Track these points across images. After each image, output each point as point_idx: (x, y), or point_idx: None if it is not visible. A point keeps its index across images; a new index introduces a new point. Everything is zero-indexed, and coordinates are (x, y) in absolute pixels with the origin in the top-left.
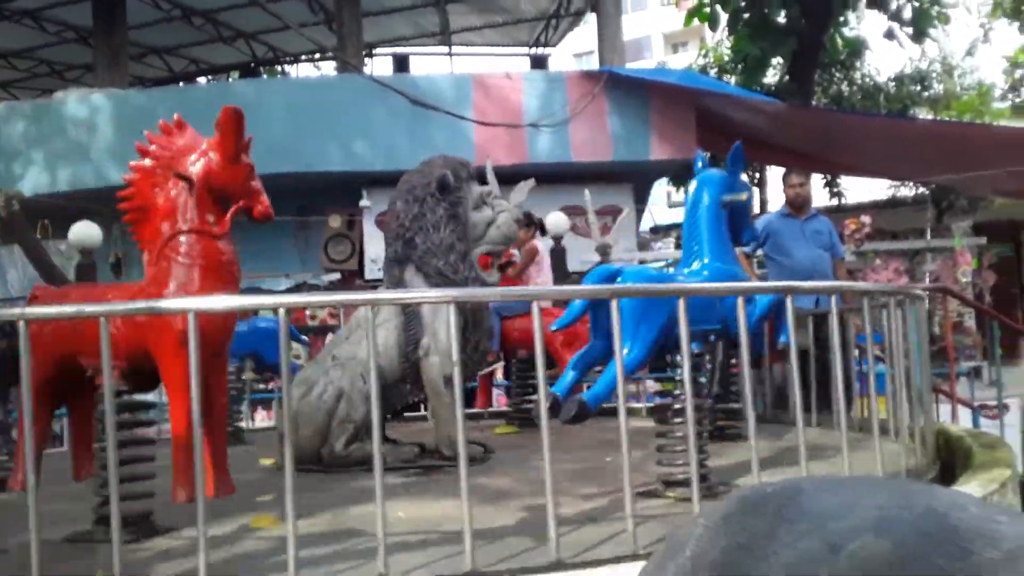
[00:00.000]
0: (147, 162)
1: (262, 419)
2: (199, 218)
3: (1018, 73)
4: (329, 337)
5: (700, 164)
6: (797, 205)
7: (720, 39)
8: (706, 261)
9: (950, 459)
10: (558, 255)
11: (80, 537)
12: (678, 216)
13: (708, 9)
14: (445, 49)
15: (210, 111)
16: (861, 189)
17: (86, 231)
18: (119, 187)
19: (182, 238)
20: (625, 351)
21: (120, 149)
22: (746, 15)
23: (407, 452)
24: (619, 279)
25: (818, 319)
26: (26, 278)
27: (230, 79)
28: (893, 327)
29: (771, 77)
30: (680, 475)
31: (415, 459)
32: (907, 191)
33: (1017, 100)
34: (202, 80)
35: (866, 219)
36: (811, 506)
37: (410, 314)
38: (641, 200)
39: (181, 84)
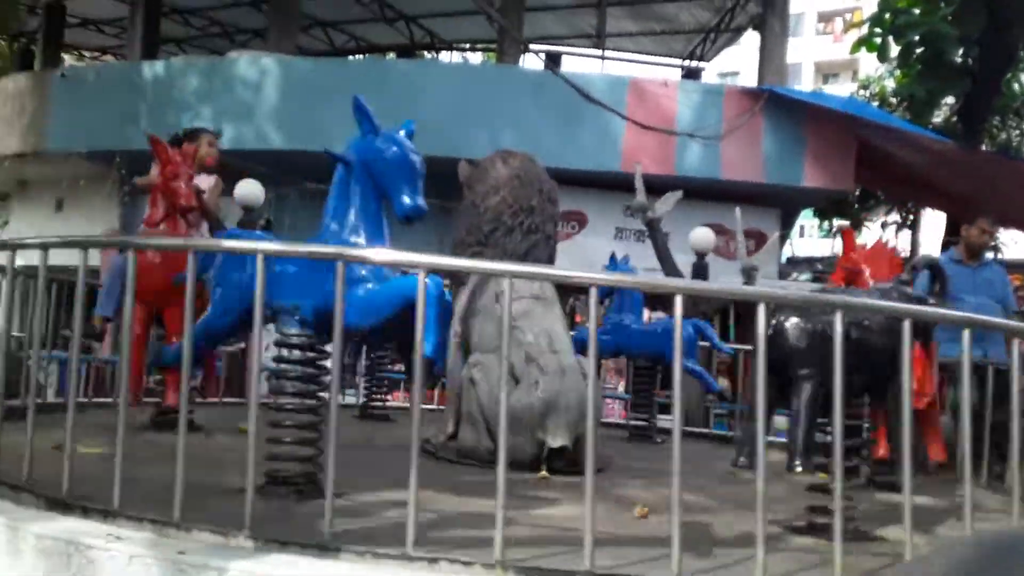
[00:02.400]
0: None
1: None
2: None
3: None
4: None
5: None
6: (975, 252)
7: (881, 71)
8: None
9: None
10: (700, 271)
11: None
12: (817, 249)
13: (879, 40)
14: (598, 52)
15: (367, 86)
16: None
17: (252, 189)
18: (277, 150)
19: None
20: None
21: (283, 113)
22: (919, 49)
23: None
24: None
25: (982, 372)
26: None
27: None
28: None
29: (937, 117)
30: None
31: None
32: None
33: None
34: (359, 57)
35: None
36: None
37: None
38: (786, 227)
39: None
